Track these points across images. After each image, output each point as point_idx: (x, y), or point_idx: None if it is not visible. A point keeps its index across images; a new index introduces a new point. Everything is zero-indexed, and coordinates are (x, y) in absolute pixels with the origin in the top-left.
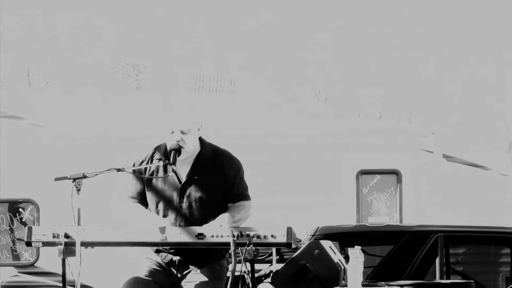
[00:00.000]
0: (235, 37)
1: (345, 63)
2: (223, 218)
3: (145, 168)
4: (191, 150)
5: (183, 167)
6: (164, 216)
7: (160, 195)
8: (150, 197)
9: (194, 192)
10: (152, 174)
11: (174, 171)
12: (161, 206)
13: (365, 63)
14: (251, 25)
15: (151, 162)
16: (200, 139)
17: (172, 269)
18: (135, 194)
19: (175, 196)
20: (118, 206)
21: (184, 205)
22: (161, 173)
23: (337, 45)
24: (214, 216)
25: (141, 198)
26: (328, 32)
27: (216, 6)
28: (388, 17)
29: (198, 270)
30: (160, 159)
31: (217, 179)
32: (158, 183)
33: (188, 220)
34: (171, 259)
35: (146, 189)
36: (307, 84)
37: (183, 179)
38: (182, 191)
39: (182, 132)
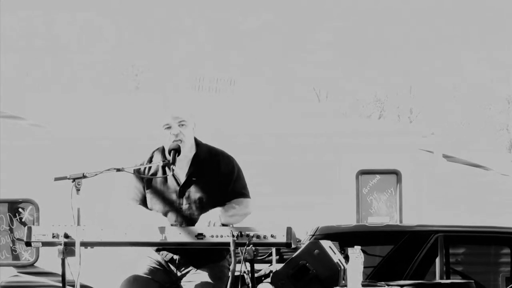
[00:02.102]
0: (235, 37)
1: (345, 63)
2: (218, 210)
3: (145, 170)
4: (188, 146)
5: (181, 169)
6: (164, 217)
7: (160, 198)
8: (150, 199)
9: (193, 193)
10: (155, 173)
11: (173, 172)
12: (161, 208)
13: (365, 63)
14: (251, 25)
15: (143, 171)
16: (196, 140)
17: (172, 267)
18: (138, 196)
19: (174, 198)
20: (120, 209)
21: (184, 206)
22: (160, 175)
23: (337, 45)
24: None
25: (142, 200)
26: (328, 32)
27: (216, 6)
28: (388, 17)
29: (198, 270)
30: (162, 160)
31: (214, 179)
32: (158, 185)
33: (188, 221)
34: (172, 257)
35: (145, 190)
36: (307, 84)
37: (182, 181)
38: (181, 192)
39: (180, 125)
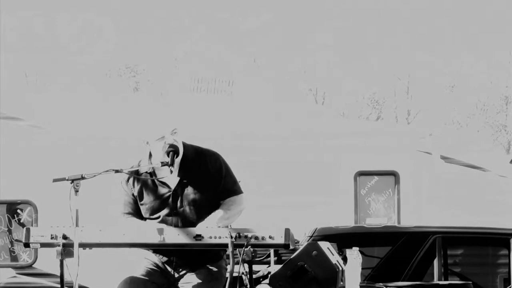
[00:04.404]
0: (235, 37)
1: (344, 63)
2: (216, 215)
3: (134, 182)
4: (180, 152)
5: (170, 173)
6: (162, 222)
7: (154, 205)
8: (145, 209)
9: (186, 196)
10: (144, 183)
11: (159, 179)
12: (156, 214)
13: (364, 63)
14: (251, 25)
15: (139, 174)
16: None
17: (170, 268)
18: (129, 209)
19: (169, 203)
20: (116, 216)
21: (179, 210)
22: (150, 182)
23: (337, 45)
24: (209, 215)
25: (135, 211)
26: (328, 32)
27: (216, 6)
28: (388, 17)
29: (196, 271)
30: (161, 162)
31: (204, 179)
32: (149, 194)
33: (185, 223)
34: (169, 258)
35: (139, 202)
36: (306, 85)
37: (173, 185)
38: (174, 196)
39: (172, 133)
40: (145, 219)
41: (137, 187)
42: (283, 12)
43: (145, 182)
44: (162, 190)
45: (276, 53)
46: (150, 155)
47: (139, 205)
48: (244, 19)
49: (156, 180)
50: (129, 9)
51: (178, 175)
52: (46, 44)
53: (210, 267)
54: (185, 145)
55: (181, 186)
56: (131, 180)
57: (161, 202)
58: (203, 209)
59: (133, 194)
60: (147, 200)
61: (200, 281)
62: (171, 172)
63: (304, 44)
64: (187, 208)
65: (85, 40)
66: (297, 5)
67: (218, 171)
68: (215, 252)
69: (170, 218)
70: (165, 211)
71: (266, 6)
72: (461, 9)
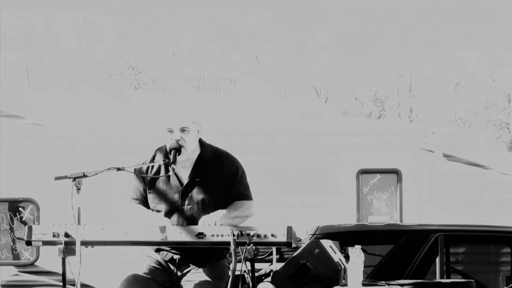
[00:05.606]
0: (235, 37)
1: (345, 62)
2: (221, 212)
3: (147, 170)
4: (190, 150)
5: (184, 169)
6: (166, 217)
7: (162, 197)
8: (152, 198)
9: (195, 194)
10: (158, 172)
11: (174, 172)
12: (163, 208)
13: (365, 62)
14: (251, 25)
15: (142, 171)
16: (200, 141)
17: (172, 267)
18: (138, 195)
19: (177, 198)
20: (120, 207)
21: (186, 207)
22: (163, 174)
23: (337, 44)
24: None
25: (144, 199)
26: (328, 32)
27: (216, 6)
28: (388, 17)
29: (199, 270)
30: (163, 160)
31: (217, 181)
32: (160, 185)
33: (190, 222)
34: (172, 257)
35: (148, 191)
36: (307, 84)
37: (185, 181)
38: (184, 193)
39: (181, 131)
40: (150, 208)
41: (150, 174)
42: (283, 12)
43: (159, 171)
44: (174, 184)
45: (276, 53)
46: (166, 148)
47: (147, 193)
48: (244, 19)
49: (172, 169)
50: (129, 9)
51: (192, 173)
52: (46, 44)
53: (213, 265)
54: (203, 144)
55: (192, 184)
56: (144, 167)
57: (170, 195)
58: (209, 210)
59: (144, 181)
60: (157, 189)
61: (203, 279)
62: (173, 170)
63: (304, 44)
64: (194, 207)
65: (85, 40)
66: (297, 5)
67: (233, 175)
68: (218, 251)
69: (176, 214)
70: (171, 206)
71: (266, 6)
72: (461, 8)
